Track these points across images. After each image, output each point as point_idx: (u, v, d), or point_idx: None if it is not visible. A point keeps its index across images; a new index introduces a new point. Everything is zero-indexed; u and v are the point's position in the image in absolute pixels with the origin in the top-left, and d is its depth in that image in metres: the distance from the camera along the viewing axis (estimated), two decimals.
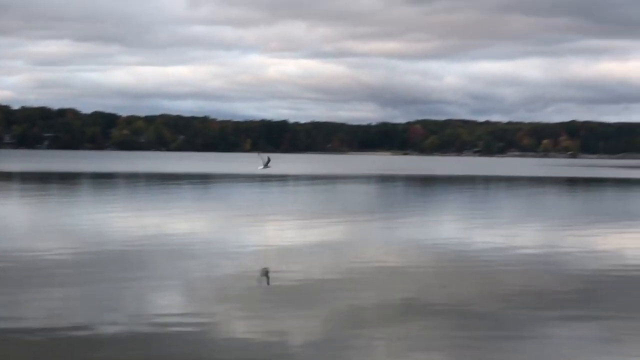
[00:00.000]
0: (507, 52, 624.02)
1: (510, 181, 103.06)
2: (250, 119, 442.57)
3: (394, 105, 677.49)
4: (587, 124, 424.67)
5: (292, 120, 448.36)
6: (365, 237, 34.85)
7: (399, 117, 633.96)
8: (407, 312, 19.01)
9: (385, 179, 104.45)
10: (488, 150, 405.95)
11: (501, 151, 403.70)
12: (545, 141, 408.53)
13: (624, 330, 17.49)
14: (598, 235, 36.42)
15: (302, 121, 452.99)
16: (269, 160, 45.14)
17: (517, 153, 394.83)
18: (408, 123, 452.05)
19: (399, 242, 32.81)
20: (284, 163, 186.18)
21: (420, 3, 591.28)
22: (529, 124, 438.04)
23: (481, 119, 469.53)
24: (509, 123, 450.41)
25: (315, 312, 18.88)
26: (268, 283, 23.02)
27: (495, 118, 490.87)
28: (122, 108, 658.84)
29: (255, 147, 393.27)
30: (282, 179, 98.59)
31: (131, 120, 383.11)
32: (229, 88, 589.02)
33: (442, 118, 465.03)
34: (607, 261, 27.60)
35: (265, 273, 24.33)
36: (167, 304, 19.67)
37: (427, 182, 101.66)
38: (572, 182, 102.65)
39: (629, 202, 62.38)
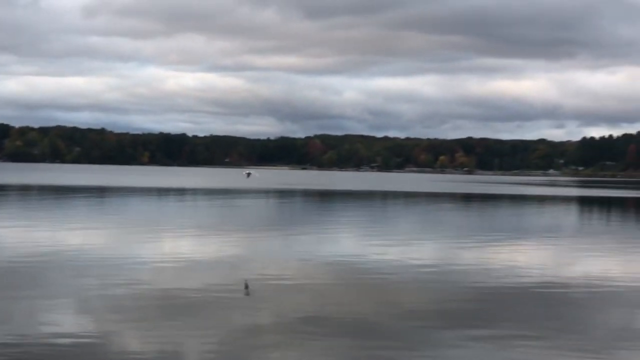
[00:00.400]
0: (405, 69, 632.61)
1: (408, 197, 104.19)
2: (148, 131, 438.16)
3: (293, 120, 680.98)
4: (483, 141, 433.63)
5: (190, 133, 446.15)
6: (263, 252, 34.62)
7: (298, 131, 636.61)
8: (304, 328, 18.88)
9: (283, 194, 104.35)
10: (386, 165, 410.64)
11: (399, 167, 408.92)
12: (442, 157, 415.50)
13: (516, 344, 17.69)
14: (492, 250, 36.97)
15: (201, 135, 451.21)
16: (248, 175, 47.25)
17: (414, 169, 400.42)
18: (307, 138, 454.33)
19: (297, 257, 32.70)
20: (182, 177, 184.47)
21: (318, 18, 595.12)
22: (427, 140, 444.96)
23: (379, 134, 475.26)
24: (407, 139, 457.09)
25: (211, 328, 18.60)
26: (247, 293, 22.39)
27: (393, 134, 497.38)
28: (16, 119, 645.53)
29: (154, 160, 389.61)
30: (180, 192, 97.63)
31: (24, 131, 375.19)
32: (126, 100, 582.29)
33: (341, 133, 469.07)
34: (501, 276, 27.98)
35: (245, 286, 23.63)
36: (57, 320, 19.11)
37: (325, 197, 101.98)
38: (468, 198, 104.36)
39: (522, 218, 63.65)
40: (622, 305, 23.08)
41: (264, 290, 24.01)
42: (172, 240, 38.59)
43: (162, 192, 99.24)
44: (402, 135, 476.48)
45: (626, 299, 24.18)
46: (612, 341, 18.25)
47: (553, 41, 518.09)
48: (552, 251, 37.90)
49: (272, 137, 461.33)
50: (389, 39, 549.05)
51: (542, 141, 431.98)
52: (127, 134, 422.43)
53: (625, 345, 17.92)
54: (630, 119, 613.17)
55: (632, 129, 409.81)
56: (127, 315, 19.75)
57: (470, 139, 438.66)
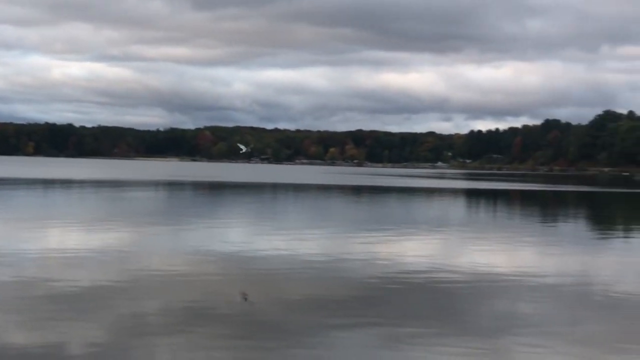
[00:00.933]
0: (294, 61, 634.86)
1: (298, 189, 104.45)
2: (33, 121, 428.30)
3: (182, 111, 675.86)
4: (373, 133, 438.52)
5: (77, 124, 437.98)
6: (151, 244, 34.12)
7: (187, 123, 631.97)
8: (192, 321, 18.65)
9: (172, 185, 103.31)
10: (276, 157, 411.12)
11: (289, 158, 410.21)
12: (332, 149, 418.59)
13: (402, 335, 17.82)
14: (381, 242, 37.27)
15: (89, 125, 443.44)
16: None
17: (305, 161, 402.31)
18: (197, 129, 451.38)
19: (185, 249, 32.32)
20: (69, 168, 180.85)
21: (207, 9, 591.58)
22: (317, 132, 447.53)
23: (270, 126, 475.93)
24: (297, 131, 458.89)
25: (96, 321, 18.20)
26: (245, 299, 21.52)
27: (283, 125, 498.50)
28: None
29: (39, 151, 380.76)
30: (67, 184, 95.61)
31: None
32: (9, 89, 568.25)
33: (231, 125, 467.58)
34: (389, 268, 28.20)
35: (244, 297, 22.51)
36: None
37: (215, 188, 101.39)
38: (358, 190, 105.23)
39: (411, 211, 64.47)
40: (506, 296, 23.53)
41: (149, 283, 23.63)
42: (57, 232, 37.69)
43: (48, 183, 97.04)
44: (292, 127, 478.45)
45: (510, 289, 24.64)
46: (495, 330, 18.58)
47: (440, 35, 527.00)
48: (439, 243, 38.44)
49: (161, 129, 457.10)
50: (278, 30, 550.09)
51: (430, 134, 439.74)
52: (10, 123, 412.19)
53: (508, 334, 18.26)
54: (515, 112, 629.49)
55: (517, 123, 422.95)
56: (10, 308, 19.16)
57: (360, 131, 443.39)
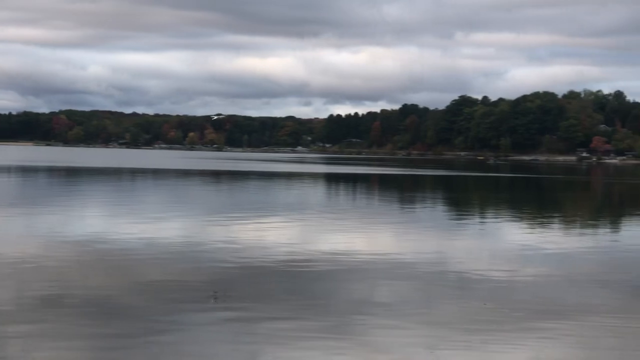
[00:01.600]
0: (152, 44, 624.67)
1: (157, 173, 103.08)
2: None
3: (36, 94, 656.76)
4: (232, 118, 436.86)
5: None
6: (1, 230, 32.96)
7: (42, 106, 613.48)
8: (45, 309, 18.09)
9: (26, 171, 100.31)
10: (135, 142, 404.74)
11: (148, 143, 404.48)
12: (191, 134, 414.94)
13: (258, 319, 17.76)
14: (241, 227, 37.12)
15: None
16: None
17: (164, 145, 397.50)
18: (52, 113, 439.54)
19: (39, 235, 31.39)
20: None
21: None
22: (176, 116, 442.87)
23: (128, 110, 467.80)
24: (156, 115, 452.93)
25: None
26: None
27: (141, 110, 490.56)
28: None
29: None
30: None
31: None
32: None
33: (88, 109, 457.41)
34: (248, 253, 28.09)
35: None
36: None
37: (71, 173, 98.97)
38: (218, 175, 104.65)
39: (270, 195, 64.48)
40: (364, 278, 23.73)
41: (1, 269, 22.80)
42: None
43: None
44: (150, 111, 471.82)
45: (368, 272, 24.89)
46: (352, 312, 18.73)
47: (299, 20, 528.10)
48: (299, 227, 38.54)
49: (14, 112, 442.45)
50: (135, 13, 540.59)
51: (290, 118, 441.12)
52: None
53: (365, 315, 18.45)
54: (373, 97, 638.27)
55: (375, 107, 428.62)
56: None
57: (219, 115, 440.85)
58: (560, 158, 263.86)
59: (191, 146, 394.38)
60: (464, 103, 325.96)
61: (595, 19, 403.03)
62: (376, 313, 18.80)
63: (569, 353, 16.17)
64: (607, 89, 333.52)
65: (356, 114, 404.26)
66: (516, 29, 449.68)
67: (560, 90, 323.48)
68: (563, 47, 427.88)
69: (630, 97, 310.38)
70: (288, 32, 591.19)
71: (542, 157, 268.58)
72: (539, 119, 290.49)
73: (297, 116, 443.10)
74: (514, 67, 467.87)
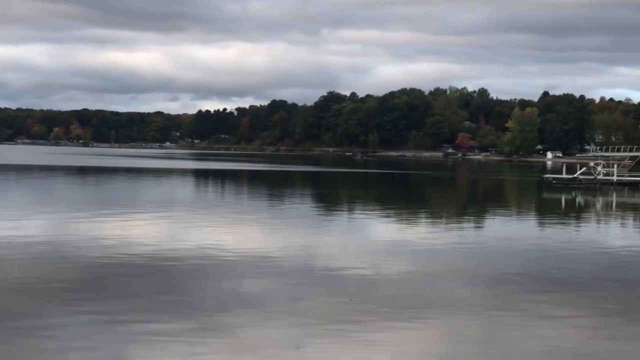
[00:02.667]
0: (12, 37, 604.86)
1: (20, 170, 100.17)
2: None
3: None
4: (99, 113, 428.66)
5: None
6: None
7: None
8: None
9: None
10: None
11: (10, 138, 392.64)
12: (56, 129, 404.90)
13: (124, 317, 17.49)
14: (106, 224, 36.49)
15: None
16: None
17: (27, 140, 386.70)
18: None
19: None
20: None
21: None
22: (40, 111, 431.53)
23: None
24: (18, 110, 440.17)
25: None
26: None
27: (2, 104, 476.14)
28: None
29: None
30: None
31: None
32: None
33: None
34: (114, 250, 27.62)
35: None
36: None
37: None
38: (84, 171, 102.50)
39: (138, 191, 63.57)
40: (232, 274, 23.65)
41: None
42: None
43: None
44: (12, 105, 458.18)
45: (236, 268, 24.84)
46: (219, 309, 18.66)
47: (164, 14, 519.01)
48: (166, 224, 38.11)
49: None
50: None
51: (158, 114, 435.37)
52: None
53: (232, 313, 18.40)
54: (241, 93, 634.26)
55: (243, 103, 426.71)
56: None
57: (85, 110, 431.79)
58: (427, 154, 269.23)
59: (56, 141, 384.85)
60: (332, 99, 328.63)
61: (458, 17, 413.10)
62: (243, 310, 18.72)
63: (434, 347, 16.47)
64: (471, 86, 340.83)
65: (225, 109, 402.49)
66: (382, 26, 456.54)
67: (426, 87, 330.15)
68: (428, 44, 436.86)
69: (493, 95, 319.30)
70: (154, 26, 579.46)
71: (409, 153, 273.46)
72: (406, 115, 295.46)
73: (166, 111, 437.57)
74: (380, 64, 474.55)
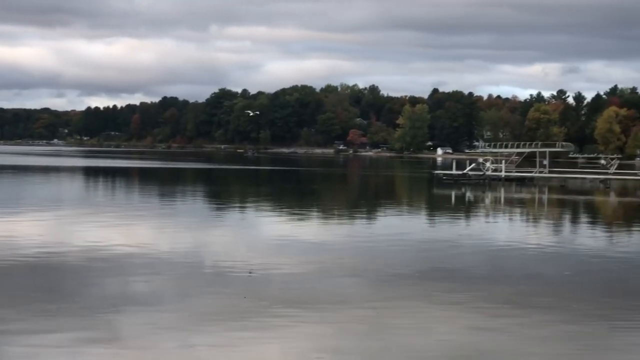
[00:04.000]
0: None
1: None
2: None
3: None
4: None
5: None
6: None
7: None
8: None
9: None
10: None
11: None
12: None
13: (6, 318, 16.96)
14: None
15: None
16: None
17: None
18: None
19: None
20: None
21: None
22: None
23: None
24: None
25: None
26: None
27: None
28: None
29: None
30: None
31: None
32: None
33: None
34: (8, 250, 26.82)
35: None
36: None
37: None
38: None
39: (24, 189, 62.00)
40: (120, 273, 23.29)
41: None
42: None
43: None
44: None
45: (124, 267, 24.45)
46: (107, 309, 18.34)
47: (47, 8, 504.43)
48: (53, 222, 37.27)
49: None
50: None
51: (45, 110, 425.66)
52: None
53: (120, 312, 18.15)
54: (130, 89, 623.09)
55: (133, 100, 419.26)
56: None
57: None
58: (319, 150, 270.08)
59: None
60: (223, 96, 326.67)
61: (346, 14, 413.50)
62: (131, 309, 18.41)
63: (324, 342, 16.48)
64: (362, 83, 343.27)
65: (115, 106, 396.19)
66: (270, 22, 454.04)
67: (317, 84, 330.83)
68: (317, 41, 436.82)
69: (384, 92, 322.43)
70: (37, 21, 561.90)
71: (301, 150, 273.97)
72: (298, 112, 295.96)
73: (53, 108, 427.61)
74: (270, 61, 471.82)
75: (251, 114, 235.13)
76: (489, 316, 18.95)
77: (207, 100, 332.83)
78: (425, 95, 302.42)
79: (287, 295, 20.50)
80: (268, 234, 35.44)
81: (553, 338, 17.19)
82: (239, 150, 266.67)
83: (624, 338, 17.50)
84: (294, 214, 46.37)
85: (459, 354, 15.91)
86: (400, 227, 39.93)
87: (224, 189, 73.81)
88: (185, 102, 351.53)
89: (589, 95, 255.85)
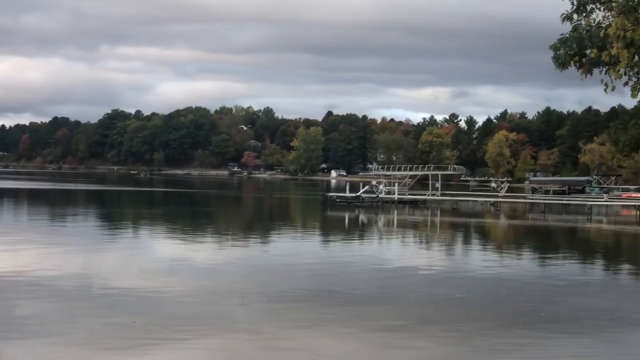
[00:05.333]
0: None
1: None
2: None
3: None
4: None
5: None
6: None
7: None
8: None
9: None
10: None
11: None
12: None
13: None
14: None
15: None
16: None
17: None
18: None
19: None
20: None
21: None
22: None
23: None
24: None
25: None
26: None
27: None
28: None
29: None
30: None
31: None
32: None
33: None
34: None
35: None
36: None
37: None
38: None
39: None
40: (3, 297, 22.55)
41: None
42: None
43: None
44: None
45: (7, 290, 23.75)
46: None
47: None
48: None
49: None
50: None
51: None
52: None
53: (2, 337, 17.43)
54: (18, 109, 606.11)
55: (21, 119, 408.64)
56: None
57: None
58: (213, 172, 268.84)
59: None
60: (116, 117, 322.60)
61: (237, 36, 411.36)
62: (12, 335, 17.81)
63: None
64: (257, 105, 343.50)
65: (3, 126, 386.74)
66: (161, 43, 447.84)
67: (211, 106, 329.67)
68: (209, 63, 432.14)
69: (278, 114, 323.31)
70: None
71: (195, 172, 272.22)
72: (192, 133, 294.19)
73: None
74: (162, 82, 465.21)
75: (245, 129, 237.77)
76: (380, 338, 18.98)
77: (100, 120, 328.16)
78: (320, 118, 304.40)
79: (177, 319, 20.18)
80: (160, 256, 34.96)
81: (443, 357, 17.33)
82: (132, 172, 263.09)
83: (512, 355, 17.76)
84: (187, 236, 45.85)
85: None
86: (294, 249, 39.90)
87: (116, 211, 72.56)
88: (77, 123, 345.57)
89: (480, 120, 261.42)
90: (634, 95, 16.92)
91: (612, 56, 17.75)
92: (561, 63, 19.46)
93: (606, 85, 17.98)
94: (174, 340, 17.99)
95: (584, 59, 18.88)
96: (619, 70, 17.80)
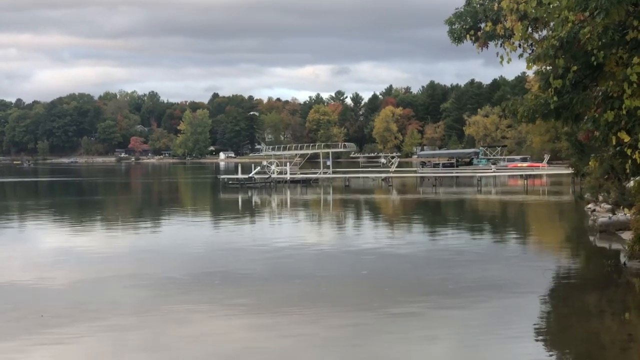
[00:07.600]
0: None
1: None
2: None
3: None
4: None
5: None
6: None
7: None
8: None
9: None
10: None
11: None
12: None
13: None
14: None
15: None
16: None
17: None
18: None
19: None
20: None
21: None
22: None
23: None
24: None
25: None
26: None
27: None
28: None
29: None
30: None
31: None
32: None
33: None
34: None
35: None
36: None
37: None
38: None
39: None
40: None
41: None
42: None
43: None
44: None
45: None
46: None
47: None
48: None
49: None
50: None
51: None
52: None
53: None
54: None
55: None
56: None
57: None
58: (100, 159, 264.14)
59: None
60: None
61: (110, 20, 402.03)
62: None
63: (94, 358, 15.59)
64: (141, 90, 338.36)
65: None
66: (34, 29, 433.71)
67: (94, 92, 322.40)
68: (85, 48, 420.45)
69: (164, 98, 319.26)
70: None
71: (81, 159, 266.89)
72: (76, 120, 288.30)
73: None
74: (39, 69, 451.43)
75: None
76: (271, 318, 18.62)
77: None
78: (205, 100, 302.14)
79: (60, 309, 19.39)
80: (46, 246, 33.89)
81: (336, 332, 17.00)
82: (15, 162, 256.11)
83: (400, 325, 17.53)
84: (74, 225, 44.52)
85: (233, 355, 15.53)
86: (186, 234, 39.19)
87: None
88: None
89: (366, 96, 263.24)
90: (529, 67, 16.82)
91: (506, 29, 17.63)
92: (457, 37, 19.29)
93: (502, 57, 17.87)
94: (58, 326, 17.26)
95: (479, 33, 18.73)
96: (513, 43, 17.71)
